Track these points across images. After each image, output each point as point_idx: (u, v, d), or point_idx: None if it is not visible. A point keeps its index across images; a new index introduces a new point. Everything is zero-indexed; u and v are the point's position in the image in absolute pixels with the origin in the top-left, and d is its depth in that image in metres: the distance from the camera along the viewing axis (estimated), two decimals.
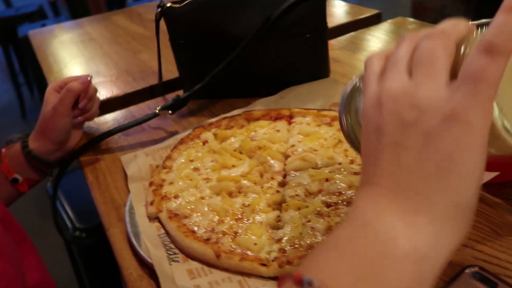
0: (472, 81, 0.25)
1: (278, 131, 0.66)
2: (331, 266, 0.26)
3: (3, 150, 0.70)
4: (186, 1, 0.77)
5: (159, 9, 0.78)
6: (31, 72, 3.17)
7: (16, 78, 3.23)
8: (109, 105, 0.90)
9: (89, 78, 0.70)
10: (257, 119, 0.71)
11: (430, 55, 0.28)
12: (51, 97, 0.69)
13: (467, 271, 0.40)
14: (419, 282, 0.25)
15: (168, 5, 0.78)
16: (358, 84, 0.40)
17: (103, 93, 0.92)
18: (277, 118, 0.71)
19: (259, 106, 0.76)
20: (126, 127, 0.71)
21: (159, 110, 0.70)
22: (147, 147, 0.69)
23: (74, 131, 0.72)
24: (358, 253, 0.26)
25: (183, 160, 0.62)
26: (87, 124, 0.81)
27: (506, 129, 0.28)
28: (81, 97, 0.70)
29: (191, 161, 0.63)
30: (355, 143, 0.40)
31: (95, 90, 0.74)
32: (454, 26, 0.29)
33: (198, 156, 0.63)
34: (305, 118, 0.69)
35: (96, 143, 0.71)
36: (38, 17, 3.55)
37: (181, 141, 0.67)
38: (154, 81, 0.95)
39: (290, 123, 0.69)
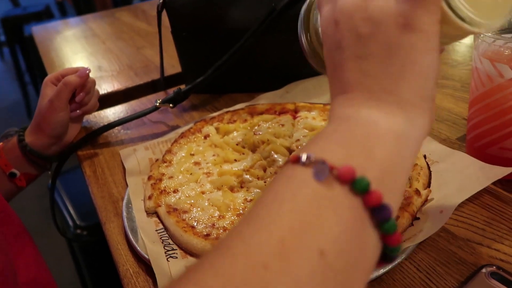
0: None
1: (282, 125, 0.64)
2: (323, 146, 0.28)
3: (0, 144, 0.68)
4: None
5: (161, 0, 0.76)
6: (37, 71, 3.17)
7: (22, 77, 3.24)
8: (110, 100, 0.88)
9: (87, 72, 0.68)
10: (261, 113, 0.69)
11: None
12: (47, 89, 0.67)
13: (483, 270, 0.38)
14: (399, 154, 0.28)
15: None
16: (313, 0, 0.42)
17: (104, 87, 0.91)
18: (281, 113, 0.69)
19: (263, 100, 0.74)
20: (125, 121, 0.69)
21: (159, 103, 0.68)
22: (147, 141, 0.67)
23: (72, 125, 0.70)
24: (345, 136, 0.29)
25: (183, 154, 0.60)
26: (87, 118, 0.79)
27: (455, 12, 0.29)
28: (78, 90, 0.68)
29: (192, 155, 0.60)
30: (317, 61, 0.42)
31: (94, 83, 0.73)
32: None
33: (199, 150, 0.61)
34: (310, 112, 0.66)
35: (95, 136, 0.69)
36: (45, 16, 3.56)
37: (182, 135, 0.64)
38: (156, 76, 0.93)
39: (295, 117, 0.67)
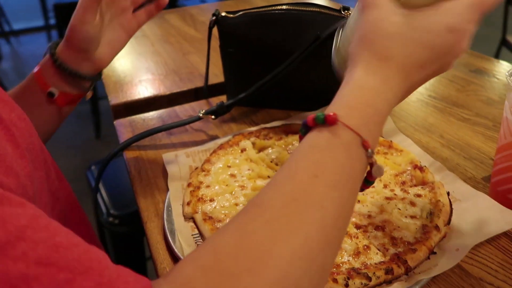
0: None
1: None
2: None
3: (40, 63, 0.65)
4: (240, 13, 0.79)
5: (214, 18, 0.81)
6: None
7: None
8: (155, 103, 0.94)
9: None
10: (296, 132, 0.73)
11: None
12: None
13: None
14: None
15: (223, 14, 0.81)
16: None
17: (151, 91, 0.97)
18: None
19: (299, 120, 0.78)
20: (171, 127, 0.74)
21: (202, 114, 0.73)
22: (188, 147, 0.73)
23: (110, 41, 0.67)
24: None
25: (221, 165, 0.65)
26: (131, 120, 0.85)
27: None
28: None
29: (229, 167, 0.65)
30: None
31: None
32: None
33: (236, 163, 0.65)
34: None
35: (141, 139, 0.75)
36: None
37: (221, 147, 0.69)
38: (200, 83, 0.99)
39: None
